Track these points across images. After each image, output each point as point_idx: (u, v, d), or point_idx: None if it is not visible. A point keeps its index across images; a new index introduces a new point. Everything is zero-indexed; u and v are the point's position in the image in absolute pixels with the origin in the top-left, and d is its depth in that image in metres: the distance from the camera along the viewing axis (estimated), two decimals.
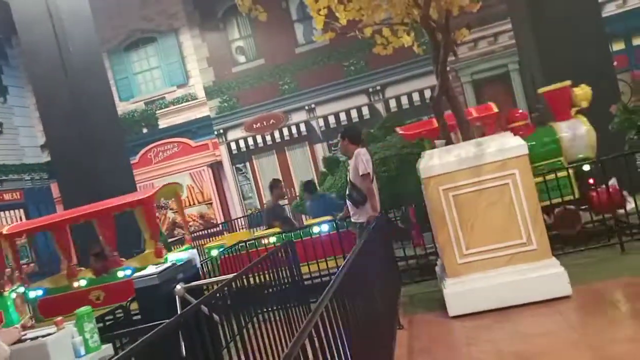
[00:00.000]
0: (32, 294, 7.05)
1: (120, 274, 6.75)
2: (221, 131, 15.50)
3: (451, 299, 4.46)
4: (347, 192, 5.33)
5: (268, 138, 15.28)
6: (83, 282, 6.90)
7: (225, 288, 3.58)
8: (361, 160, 5.13)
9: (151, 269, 3.57)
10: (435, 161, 4.59)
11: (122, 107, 15.47)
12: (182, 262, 3.88)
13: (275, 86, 15.20)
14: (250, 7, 4.29)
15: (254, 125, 15.25)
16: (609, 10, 13.29)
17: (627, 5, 13.36)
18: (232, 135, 15.48)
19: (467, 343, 3.83)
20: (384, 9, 4.88)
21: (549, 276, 4.29)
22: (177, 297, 3.52)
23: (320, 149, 15.05)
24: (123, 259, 7.22)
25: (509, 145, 4.43)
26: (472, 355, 3.59)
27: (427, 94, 13.98)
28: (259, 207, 14.76)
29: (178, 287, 3.57)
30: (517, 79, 13.80)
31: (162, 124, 15.92)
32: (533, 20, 8.10)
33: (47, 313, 6.83)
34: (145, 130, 16.03)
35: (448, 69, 4.80)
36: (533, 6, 8.03)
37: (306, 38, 14.96)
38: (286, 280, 4.77)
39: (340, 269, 2.80)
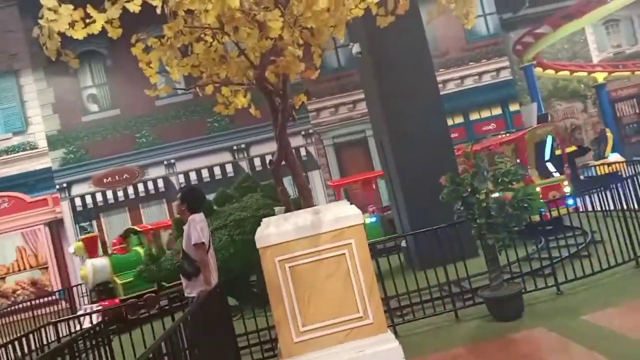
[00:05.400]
0: None
1: None
2: (64, 185, 13.82)
3: None
4: (179, 263, 4.77)
5: (120, 194, 13.98)
6: None
7: None
8: (194, 228, 4.64)
9: None
10: (271, 229, 4.29)
11: None
12: None
13: (132, 139, 14.17)
14: (58, 52, 3.71)
15: (104, 180, 13.88)
16: (449, 88, 15.01)
17: (463, 85, 15.24)
18: (77, 190, 13.88)
19: None
20: (223, 68, 4.63)
21: (386, 352, 4.12)
22: None
23: None
24: None
25: (345, 213, 4.31)
26: None
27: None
28: None
29: None
30: (373, 144, 14.64)
31: None
32: (380, 93, 8.63)
33: None
34: None
35: (311, 131, 4.64)
36: (380, 81, 8.57)
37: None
38: None
39: None
